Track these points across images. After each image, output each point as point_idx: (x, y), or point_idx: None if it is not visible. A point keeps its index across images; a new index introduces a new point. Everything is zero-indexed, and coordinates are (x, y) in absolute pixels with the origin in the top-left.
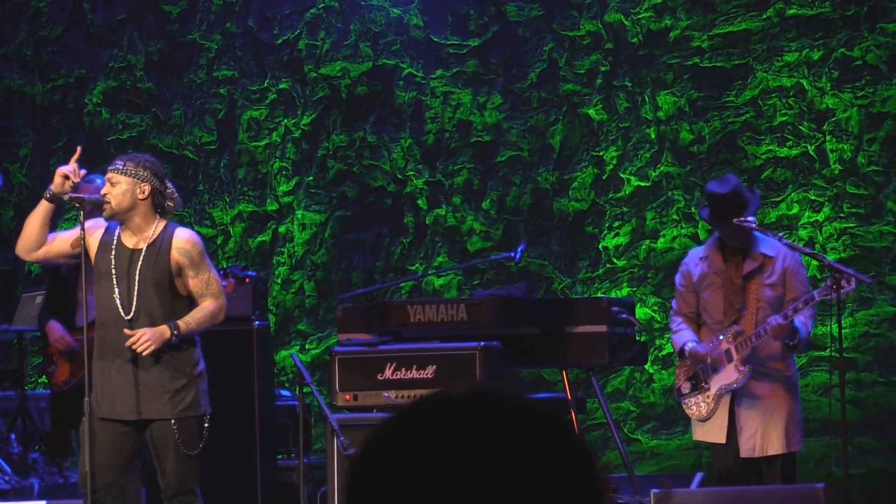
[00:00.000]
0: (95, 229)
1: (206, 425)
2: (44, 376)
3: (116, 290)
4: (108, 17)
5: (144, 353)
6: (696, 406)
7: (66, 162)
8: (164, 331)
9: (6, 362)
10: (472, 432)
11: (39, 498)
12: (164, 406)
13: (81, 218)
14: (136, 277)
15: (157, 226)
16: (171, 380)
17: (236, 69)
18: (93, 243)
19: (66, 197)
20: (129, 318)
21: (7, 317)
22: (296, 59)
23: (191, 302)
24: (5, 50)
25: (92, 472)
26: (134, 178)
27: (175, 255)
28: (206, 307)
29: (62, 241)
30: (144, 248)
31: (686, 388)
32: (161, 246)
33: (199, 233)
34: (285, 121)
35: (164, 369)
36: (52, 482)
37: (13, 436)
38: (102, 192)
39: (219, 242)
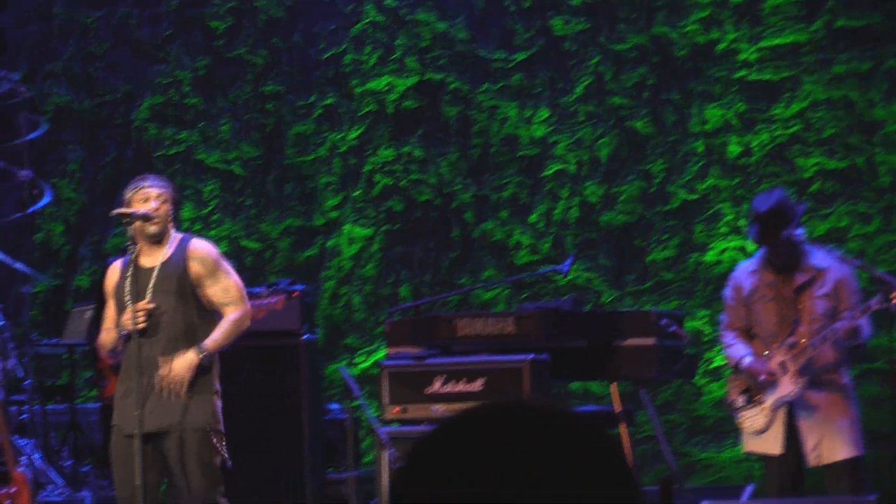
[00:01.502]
0: (112, 269)
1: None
2: (94, 390)
3: (125, 312)
4: (154, 34)
5: (181, 390)
6: (751, 419)
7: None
8: (192, 359)
9: (57, 377)
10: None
11: None
12: (186, 417)
13: (131, 232)
14: (150, 293)
15: (174, 240)
16: (198, 391)
17: (283, 84)
18: (114, 277)
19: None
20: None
21: (57, 331)
22: (342, 75)
23: (213, 315)
24: (53, 66)
25: (149, 485)
26: (169, 194)
27: (192, 265)
28: (230, 318)
29: (113, 309)
30: (158, 266)
31: (740, 401)
32: (178, 259)
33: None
34: (332, 136)
35: (193, 381)
36: (104, 495)
37: (65, 449)
38: (150, 207)
39: (267, 257)
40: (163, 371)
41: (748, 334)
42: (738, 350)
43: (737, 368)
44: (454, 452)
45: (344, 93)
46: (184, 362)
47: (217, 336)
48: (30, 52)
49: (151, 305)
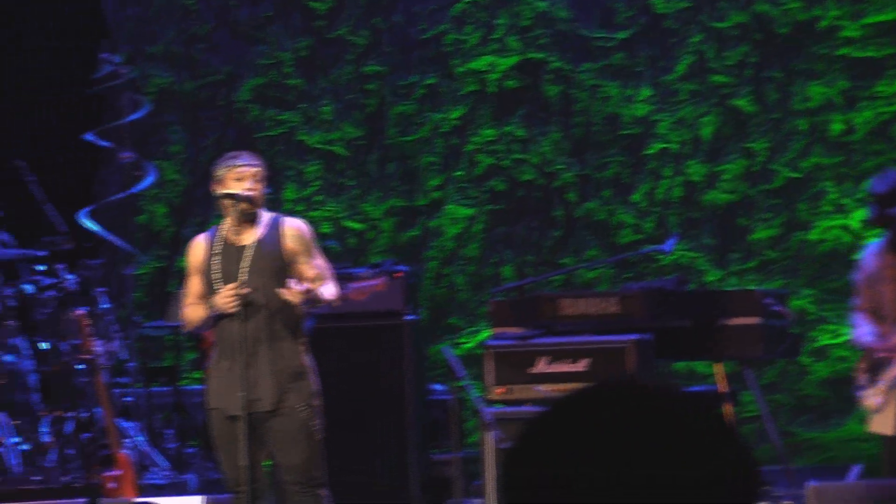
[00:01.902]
0: (197, 244)
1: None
2: (198, 371)
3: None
4: (255, 15)
5: (296, 300)
6: (870, 398)
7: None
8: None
9: (161, 358)
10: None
11: (196, 493)
12: (286, 395)
13: (233, 213)
14: (246, 272)
15: (266, 219)
16: (287, 371)
17: (384, 65)
18: (199, 253)
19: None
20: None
21: (161, 313)
22: (443, 54)
23: None
24: (155, 48)
25: (252, 465)
26: (263, 172)
27: (288, 243)
28: (331, 286)
29: (198, 285)
30: (253, 243)
31: (864, 380)
32: (272, 237)
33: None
34: (434, 116)
35: (280, 361)
36: (209, 477)
37: (170, 431)
38: (249, 186)
39: (369, 238)
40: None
41: (877, 315)
42: (862, 331)
43: (861, 349)
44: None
45: (445, 73)
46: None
47: (321, 290)
48: (131, 35)
49: (246, 290)
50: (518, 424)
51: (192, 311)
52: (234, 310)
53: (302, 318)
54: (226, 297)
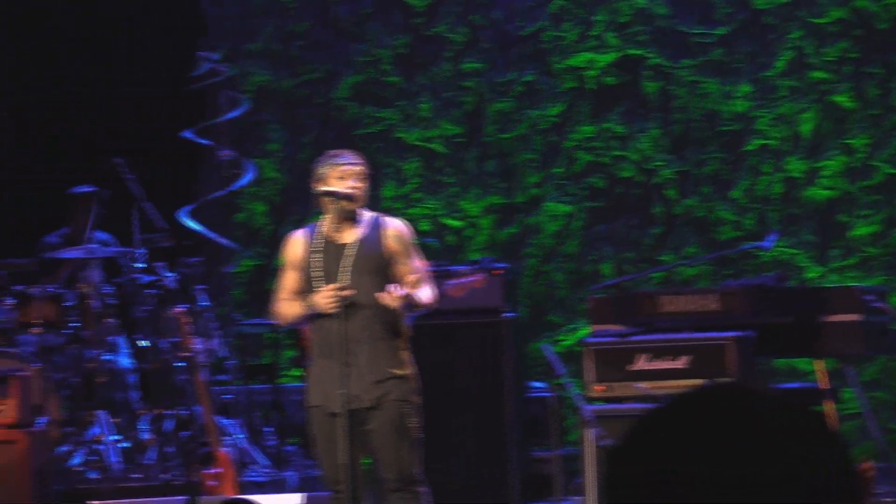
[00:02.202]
0: (295, 239)
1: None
2: (298, 369)
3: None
4: (353, 12)
5: (395, 304)
6: None
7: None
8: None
9: (260, 356)
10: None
11: (296, 490)
12: (386, 392)
13: (333, 211)
14: (348, 271)
15: (367, 218)
16: (387, 369)
17: (483, 62)
18: (298, 249)
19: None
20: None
21: (260, 311)
22: (541, 51)
23: None
24: (254, 46)
25: (352, 463)
26: (366, 171)
27: (389, 243)
28: (428, 289)
29: (294, 280)
30: (355, 241)
31: None
32: (373, 236)
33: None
34: (532, 113)
35: (380, 359)
36: (308, 475)
37: (269, 429)
38: (351, 185)
39: (468, 235)
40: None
41: None
42: None
43: None
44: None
45: (544, 70)
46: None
47: (419, 294)
48: (230, 32)
49: (349, 292)
50: (618, 422)
51: (287, 306)
52: (335, 310)
53: (402, 316)
54: (327, 298)
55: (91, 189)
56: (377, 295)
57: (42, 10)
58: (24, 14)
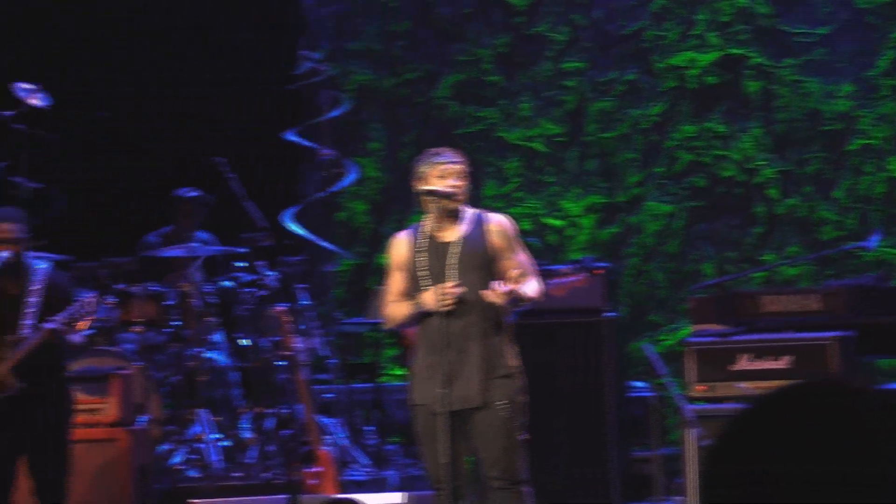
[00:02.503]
0: (399, 240)
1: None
2: (399, 368)
3: (426, 287)
4: (455, 12)
5: (501, 301)
6: None
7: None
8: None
9: (361, 355)
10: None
11: (397, 490)
12: (492, 391)
13: (435, 209)
14: (454, 269)
15: (469, 215)
16: (494, 368)
17: (584, 61)
18: (402, 251)
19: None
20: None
21: (361, 310)
22: (642, 50)
23: None
24: (355, 45)
25: (454, 462)
26: (466, 169)
27: (493, 239)
28: (534, 283)
29: (400, 282)
30: (459, 239)
31: None
32: (477, 233)
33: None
34: (634, 112)
35: (487, 358)
36: (409, 474)
37: (370, 428)
38: (452, 183)
39: (569, 234)
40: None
41: None
42: None
43: None
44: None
45: (645, 69)
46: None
47: (527, 289)
48: (331, 32)
49: (461, 290)
50: (719, 422)
51: (396, 308)
52: (447, 308)
53: (507, 313)
54: (440, 297)
55: (197, 194)
56: (482, 292)
57: (144, 10)
58: (135, 14)
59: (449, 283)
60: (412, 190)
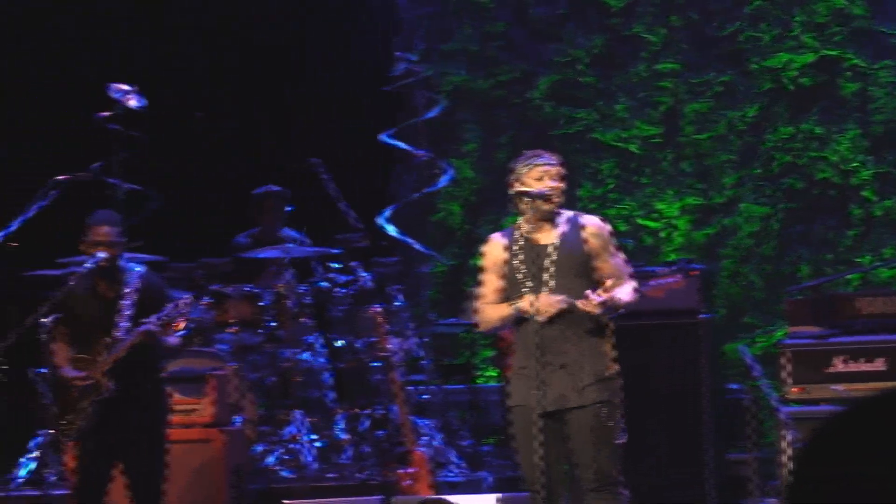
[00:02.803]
0: (494, 243)
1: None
2: (494, 369)
3: (524, 290)
4: (550, 13)
5: (596, 311)
6: None
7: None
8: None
9: (456, 356)
10: None
11: (491, 491)
12: (589, 393)
13: (532, 211)
14: (551, 272)
15: (565, 218)
16: (591, 369)
17: (679, 62)
18: (498, 253)
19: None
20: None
21: (455, 311)
22: (738, 52)
23: None
24: (451, 46)
25: (550, 464)
26: (563, 171)
27: (589, 241)
28: (628, 287)
29: (496, 284)
30: (555, 241)
31: None
32: (573, 235)
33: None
34: (729, 113)
35: (585, 360)
36: (503, 475)
37: (465, 429)
38: (550, 185)
39: (665, 236)
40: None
41: None
42: None
43: None
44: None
45: (741, 70)
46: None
47: (620, 295)
48: (426, 33)
49: (564, 305)
50: (814, 424)
51: (492, 310)
52: (547, 318)
53: (606, 315)
54: (542, 308)
55: (273, 189)
56: (577, 303)
57: (235, 12)
58: (227, 16)
59: (553, 298)
60: (508, 191)
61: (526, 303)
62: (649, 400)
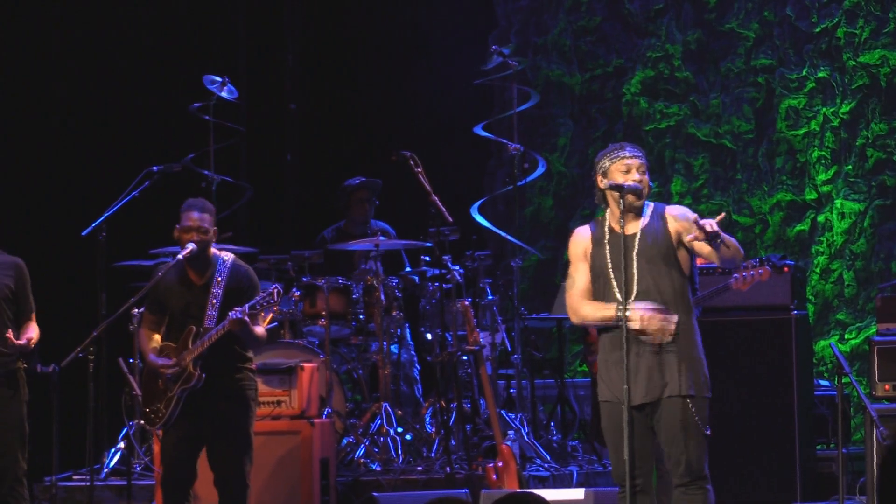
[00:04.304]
0: (580, 234)
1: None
2: (583, 364)
3: (613, 280)
4: (646, 7)
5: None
6: None
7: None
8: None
9: (546, 350)
10: None
11: (578, 486)
12: (679, 384)
13: (617, 204)
14: (637, 262)
15: (648, 208)
16: (685, 359)
17: (774, 58)
18: (584, 244)
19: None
20: (628, 302)
21: (547, 305)
22: (834, 48)
23: (693, 278)
24: (545, 40)
25: (631, 461)
26: (646, 165)
27: (673, 224)
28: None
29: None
30: (640, 232)
31: None
32: (657, 224)
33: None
34: (824, 109)
35: (672, 353)
36: (591, 469)
37: (553, 423)
38: (635, 178)
39: (757, 232)
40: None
41: None
42: None
43: None
44: None
45: (836, 66)
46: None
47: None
48: (520, 26)
49: (670, 332)
50: None
51: (591, 309)
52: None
53: (690, 310)
54: (658, 329)
55: (361, 180)
56: (694, 220)
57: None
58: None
59: (664, 318)
60: (594, 183)
61: (634, 318)
62: (738, 395)
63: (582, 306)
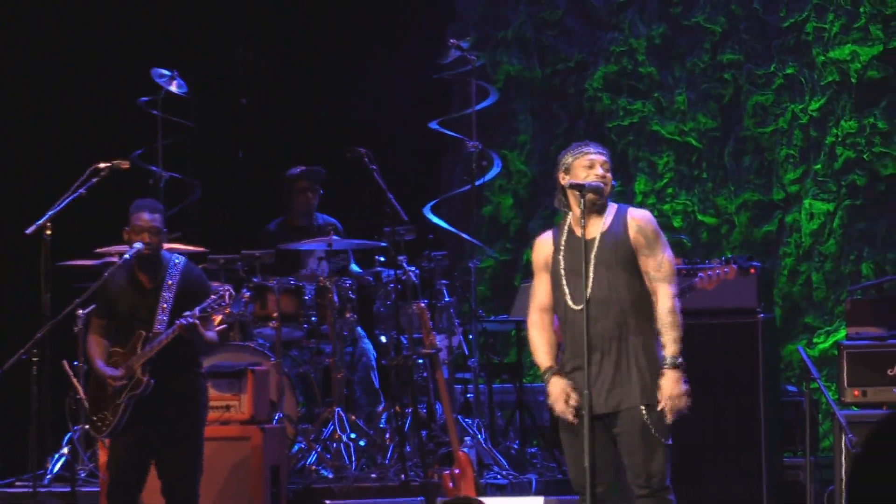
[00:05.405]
0: (542, 241)
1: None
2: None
3: (565, 287)
4: (608, 1)
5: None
6: None
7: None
8: (678, 380)
9: (505, 354)
10: None
11: (537, 494)
12: (637, 394)
13: (579, 203)
14: (593, 265)
15: (612, 209)
16: (644, 369)
17: (741, 53)
18: (546, 251)
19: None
20: (578, 308)
21: (505, 308)
22: (803, 43)
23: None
24: (504, 34)
25: (598, 467)
26: (610, 162)
27: (632, 234)
28: (666, 310)
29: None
30: (600, 235)
31: None
32: (618, 228)
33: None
34: (792, 106)
35: (631, 359)
36: (550, 478)
37: (511, 430)
38: (601, 174)
39: (723, 232)
40: (663, 402)
41: None
42: None
43: None
44: None
45: (805, 62)
46: (675, 387)
47: (673, 337)
48: (479, 19)
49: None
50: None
51: (536, 338)
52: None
53: (652, 312)
54: (561, 406)
55: (301, 169)
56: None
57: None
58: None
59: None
60: (556, 182)
61: (552, 390)
62: (703, 401)
63: (531, 330)
